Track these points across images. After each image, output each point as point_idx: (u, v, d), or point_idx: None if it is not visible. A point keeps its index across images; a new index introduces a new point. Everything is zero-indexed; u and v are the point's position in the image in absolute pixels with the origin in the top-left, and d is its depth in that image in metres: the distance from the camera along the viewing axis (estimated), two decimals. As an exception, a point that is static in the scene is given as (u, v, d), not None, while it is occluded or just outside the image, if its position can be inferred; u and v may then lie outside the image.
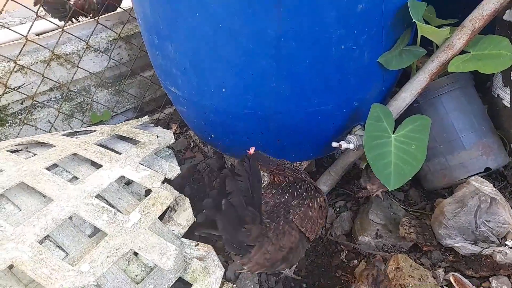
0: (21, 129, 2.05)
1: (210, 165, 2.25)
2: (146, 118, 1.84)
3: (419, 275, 1.45)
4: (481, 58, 1.46)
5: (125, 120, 2.39)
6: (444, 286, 1.48)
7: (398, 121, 1.57)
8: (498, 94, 1.79)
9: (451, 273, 1.51)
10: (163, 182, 1.46)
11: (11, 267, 1.10)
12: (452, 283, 1.48)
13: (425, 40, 1.52)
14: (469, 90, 1.74)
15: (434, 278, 1.47)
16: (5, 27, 2.03)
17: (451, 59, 1.48)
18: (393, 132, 1.52)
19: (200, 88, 1.46)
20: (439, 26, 1.48)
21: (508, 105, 1.74)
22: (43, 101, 2.16)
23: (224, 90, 1.41)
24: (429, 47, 1.57)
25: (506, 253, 1.53)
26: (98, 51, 2.24)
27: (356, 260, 1.68)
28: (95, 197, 1.29)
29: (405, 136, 1.50)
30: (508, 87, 1.71)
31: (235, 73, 1.39)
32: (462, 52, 1.48)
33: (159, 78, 1.75)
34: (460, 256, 1.61)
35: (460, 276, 1.49)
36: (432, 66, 1.51)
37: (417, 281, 1.43)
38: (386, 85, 1.61)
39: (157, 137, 1.65)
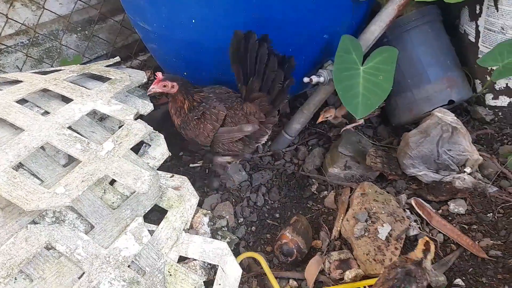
0: (-12, 73, 1.99)
1: (185, 109, 2.26)
2: (117, 59, 1.81)
3: (383, 199, 1.55)
4: (446, -13, 1.49)
5: (97, 66, 2.35)
6: (405, 209, 1.59)
7: (367, 55, 1.60)
8: (464, 30, 1.84)
9: (413, 197, 1.61)
10: (136, 118, 1.48)
11: (-14, 192, 1.12)
12: (413, 207, 1.59)
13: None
14: (437, 25, 1.78)
15: (397, 202, 1.57)
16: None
17: (419, -9, 1.50)
18: (362, 64, 1.56)
19: (170, 20, 1.45)
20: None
21: (473, 40, 1.79)
22: (10, 46, 2.09)
23: (193, 21, 1.41)
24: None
25: (465, 178, 1.63)
26: (64, -8, 2.16)
27: (326, 192, 1.77)
28: (68, 128, 1.30)
29: (373, 67, 1.54)
30: (474, 21, 1.76)
31: (205, 3, 1.38)
32: (429, -16, 1.51)
33: (128, 14, 1.72)
34: (423, 184, 1.71)
35: (421, 200, 1.60)
36: (399, -2, 1.54)
37: (381, 204, 1.53)
38: (356, 19, 1.64)
39: (129, 75, 1.65)
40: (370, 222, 1.50)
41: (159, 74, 1.51)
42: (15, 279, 1.05)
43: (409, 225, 1.51)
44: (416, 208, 1.58)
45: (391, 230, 1.48)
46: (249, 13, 1.38)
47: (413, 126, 1.98)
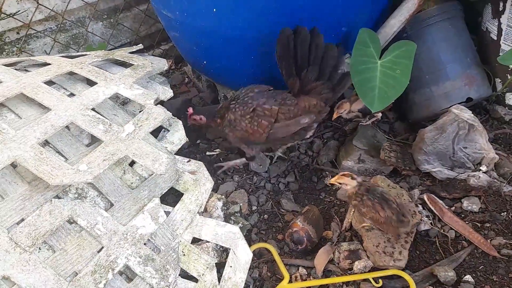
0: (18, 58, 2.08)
1: (203, 99, 2.31)
2: (140, 46, 1.87)
3: (395, 193, 1.56)
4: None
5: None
6: (418, 204, 1.59)
7: (385, 49, 1.60)
8: (487, 28, 1.81)
9: (425, 193, 1.61)
10: (156, 104, 1.53)
11: (14, 166, 1.19)
12: (426, 202, 1.59)
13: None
14: (458, 22, 1.76)
15: (410, 197, 1.58)
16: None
17: (441, -14, 1.50)
18: (380, 58, 1.57)
19: (192, 8, 1.49)
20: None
21: (495, 38, 1.77)
22: (39, 31, 2.17)
23: (214, 10, 1.44)
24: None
25: (480, 176, 1.63)
26: (92, -19, 2.22)
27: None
28: (91, 110, 1.36)
29: (390, 61, 1.55)
30: (497, 19, 1.73)
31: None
32: (453, -21, 1.50)
33: (152, 3, 1.76)
34: (437, 180, 1.71)
35: (434, 196, 1.60)
36: (421, -8, 1.53)
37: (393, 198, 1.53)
38: (375, 12, 1.64)
39: (151, 62, 1.70)
40: (381, 215, 1.51)
41: (190, 109, 1.66)
42: (39, 249, 1.11)
43: (421, 220, 1.52)
44: (428, 203, 1.58)
45: (402, 224, 1.48)
46: (269, 3, 1.40)
47: (430, 122, 1.98)
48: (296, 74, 1.52)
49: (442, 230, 1.53)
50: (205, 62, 1.75)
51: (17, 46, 2.08)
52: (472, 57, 1.75)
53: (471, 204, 1.58)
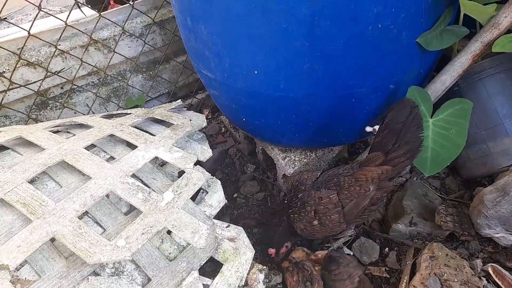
0: (61, 112, 2.13)
1: (240, 150, 2.26)
2: (179, 102, 1.86)
3: (456, 265, 1.41)
4: (530, 37, 1.37)
5: (159, 105, 2.44)
6: (482, 277, 1.42)
7: (436, 106, 1.50)
8: (547, 78, 1.68)
9: (490, 264, 1.45)
10: (195, 164, 1.48)
11: (53, 240, 1.15)
12: (490, 274, 1.42)
13: (468, 20, 1.44)
14: (515, 73, 1.64)
15: (472, 269, 1.42)
16: (48, 14, 2.10)
17: (496, 39, 1.40)
18: (431, 117, 1.46)
19: (233, 70, 1.46)
20: (484, 3, 1.40)
21: (558, 89, 1.62)
22: (82, 85, 2.23)
23: (256, 72, 1.40)
24: (472, 30, 1.49)
25: (551, 245, 1.45)
26: (133, 36, 2.28)
27: (387, 248, 1.65)
28: (131, 176, 1.33)
29: (443, 120, 1.44)
30: (559, 70, 1.60)
31: (268, 54, 1.37)
32: (508, 31, 1.40)
33: (192, 61, 1.76)
34: (500, 247, 1.54)
35: (500, 267, 1.43)
36: (475, 47, 1.44)
37: (453, 270, 1.38)
38: (425, 68, 1.55)
39: (190, 120, 1.68)
40: (440, 290, 1.36)
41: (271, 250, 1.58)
42: (74, 331, 1.05)
43: (486, 297, 1.36)
44: (494, 276, 1.41)
45: (465, 301, 1.33)
46: (313, 63, 1.35)
47: (486, 179, 1.83)
48: (386, 148, 1.39)
49: (511, 309, 1.36)
50: (244, 119, 1.71)
51: (59, 101, 2.13)
52: (533, 111, 1.61)
53: (543, 278, 1.40)
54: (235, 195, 2.05)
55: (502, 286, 1.39)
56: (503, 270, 1.43)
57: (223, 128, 2.45)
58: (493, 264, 1.44)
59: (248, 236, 1.44)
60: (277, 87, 1.44)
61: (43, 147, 1.35)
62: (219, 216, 1.46)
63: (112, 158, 1.45)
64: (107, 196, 1.30)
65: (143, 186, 1.30)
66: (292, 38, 1.30)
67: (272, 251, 1.55)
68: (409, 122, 1.33)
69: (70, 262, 1.12)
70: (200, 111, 2.63)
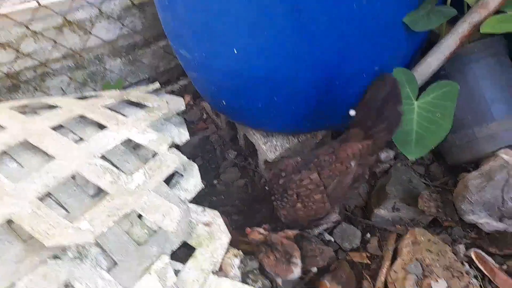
0: (33, 96, 2.04)
1: (222, 136, 2.20)
2: (157, 85, 1.78)
3: (438, 250, 1.37)
4: (520, 18, 1.32)
5: (138, 90, 2.36)
6: (464, 262, 1.39)
7: (423, 89, 1.46)
8: (533, 63, 1.64)
9: (473, 249, 1.41)
10: (172, 147, 1.41)
11: (10, 222, 1.08)
12: (473, 260, 1.39)
13: (456, 3, 1.40)
14: (503, 58, 1.60)
15: (454, 254, 1.38)
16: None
17: (484, 20, 1.35)
18: (417, 99, 1.42)
19: (211, 50, 1.39)
20: (471, -18, 1.35)
21: (545, 74, 1.59)
22: (56, 69, 2.14)
23: (235, 51, 1.34)
24: (460, 15, 1.45)
25: (535, 231, 1.42)
26: (111, 18, 2.19)
27: (369, 234, 1.61)
28: (101, 158, 1.25)
29: (429, 103, 1.39)
30: (546, 53, 1.57)
31: (248, 32, 1.30)
32: (498, 12, 1.35)
33: (170, 42, 1.69)
34: (483, 233, 1.51)
35: (483, 253, 1.40)
36: (463, 28, 1.39)
37: (436, 255, 1.34)
38: (411, 50, 1.50)
39: (167, 103, 1.61)
40: (422, 276, 1.31)
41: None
42: (32, 319, 0.98)
43: (469, 283, 1.32)
44: (476, 262, 1.38)
45: (447, 287, 1.29)
46: (295, 42, 1.29)
47: (471, 165, 1.79)
48: (364, 124, 1.37)
49: (494, 295, 1.32)
50: (224, 102, 1.64)
51: (32, 84, 2.04)
52: (520, 95, 1.58)
53: (527, 264, 1.37)
54: (215, 181, 1.98)
55: (485, 272, 1.36)
56: (486, 256, 1.39)
57: (204, 115, 2.38)
58: (476, 250, 1.41)
59: (228, 224, 1.38)
60: (257, 68, 1.37)
61: (4, 127, 1.27)
62: (198, 203, 1.40)
63: (81, 139, 1.37)
64: (74, 178, 1.23)
65: (112, 167, 1.23)
66: (273, 16, 1.23)
67: (249, 230, 1.49)
68: (389, 97, 1.29)
69: (28, 245, 1.04)
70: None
